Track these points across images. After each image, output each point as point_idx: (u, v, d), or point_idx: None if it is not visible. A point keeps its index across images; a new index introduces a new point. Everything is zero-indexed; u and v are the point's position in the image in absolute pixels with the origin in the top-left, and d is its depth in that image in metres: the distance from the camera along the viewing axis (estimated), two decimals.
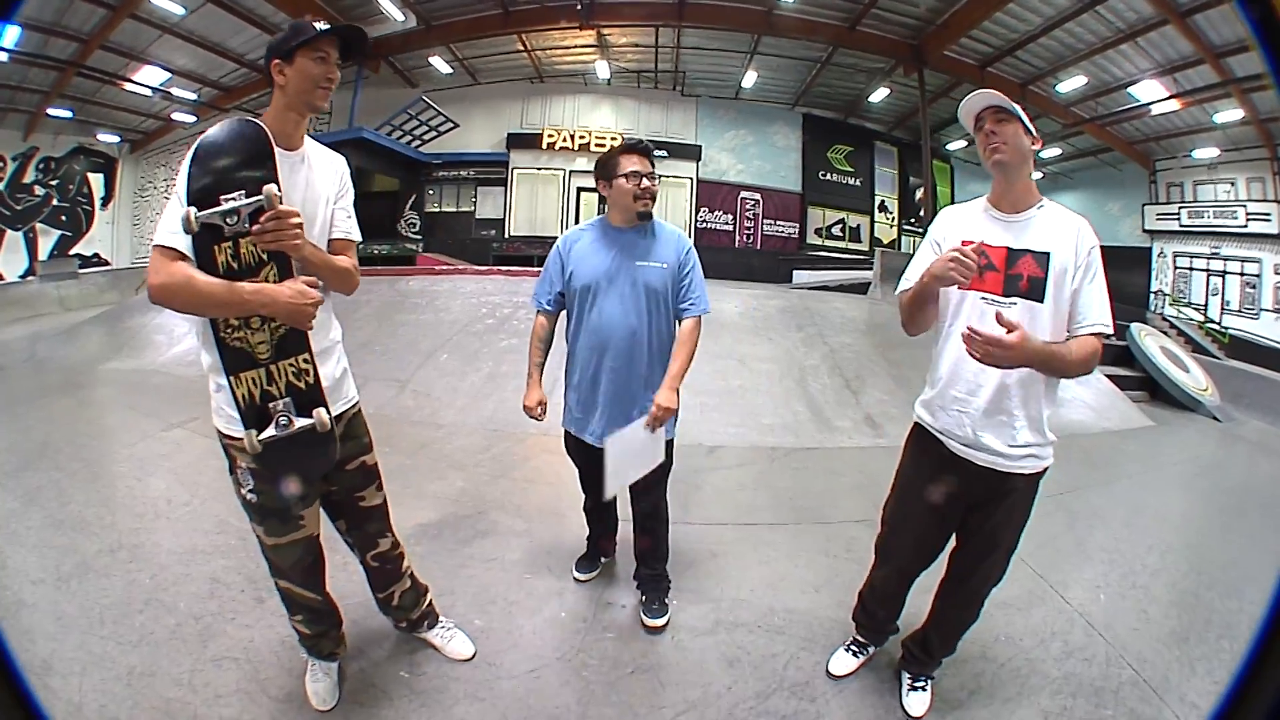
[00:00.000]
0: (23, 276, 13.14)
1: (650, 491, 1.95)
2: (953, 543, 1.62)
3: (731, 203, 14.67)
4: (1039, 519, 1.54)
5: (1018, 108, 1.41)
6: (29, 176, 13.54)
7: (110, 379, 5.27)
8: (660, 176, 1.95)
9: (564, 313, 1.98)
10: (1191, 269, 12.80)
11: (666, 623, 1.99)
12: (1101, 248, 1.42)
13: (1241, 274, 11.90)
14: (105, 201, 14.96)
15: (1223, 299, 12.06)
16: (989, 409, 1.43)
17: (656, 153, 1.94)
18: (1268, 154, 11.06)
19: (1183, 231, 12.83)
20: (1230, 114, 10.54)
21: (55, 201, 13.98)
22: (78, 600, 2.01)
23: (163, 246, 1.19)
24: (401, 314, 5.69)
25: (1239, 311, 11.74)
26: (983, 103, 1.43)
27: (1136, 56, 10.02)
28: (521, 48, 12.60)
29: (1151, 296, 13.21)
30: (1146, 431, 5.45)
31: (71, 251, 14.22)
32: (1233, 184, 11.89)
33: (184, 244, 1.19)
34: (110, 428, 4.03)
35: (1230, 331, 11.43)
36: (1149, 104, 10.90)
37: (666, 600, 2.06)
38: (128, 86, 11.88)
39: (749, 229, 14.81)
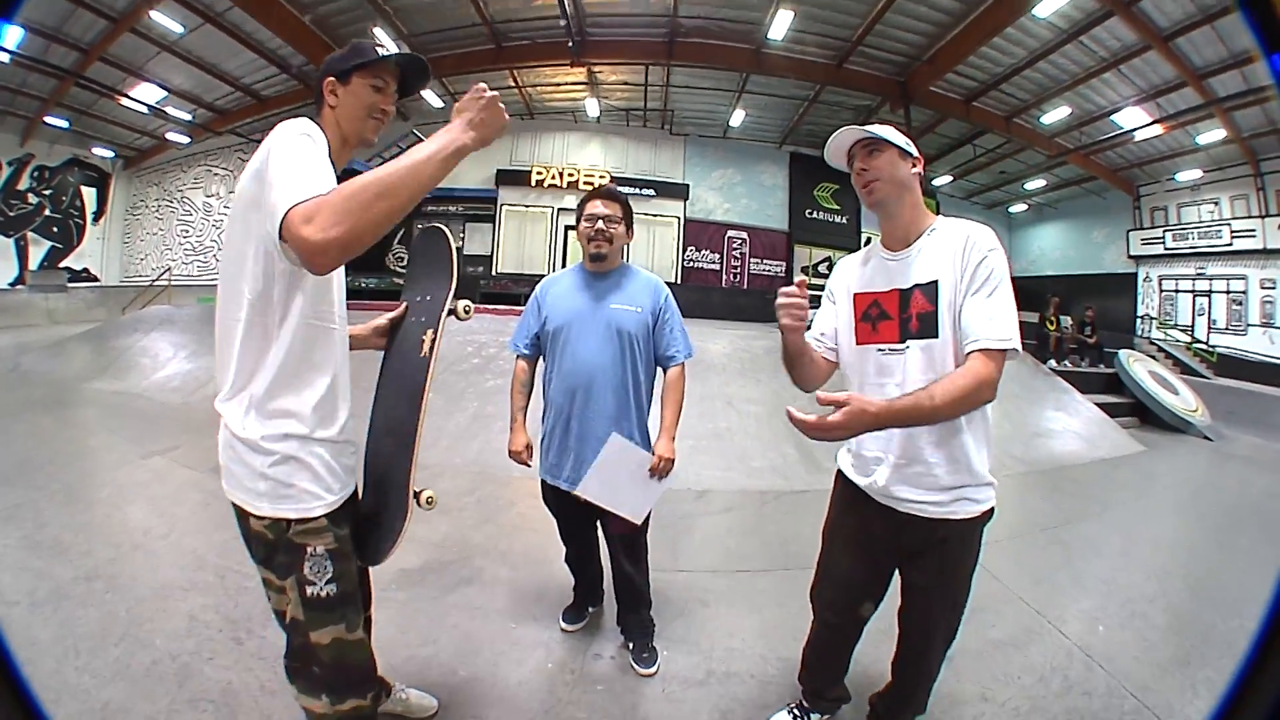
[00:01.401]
0: (12, 284, 13.05)
1: (627, 533, 1.90)
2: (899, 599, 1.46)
3: (719, 242, 14.72)
4: (1034, 554, 1.51)
5: (888, 131, 1.29)
6: (23, 183, 13.49)
7: (94, 399, 5.20)
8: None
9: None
10: (1177, 291, 12.98)
11: (657, 670, 1.93)
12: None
13: (1227, 292, 12.07)
14: (97, 216, 14.91)
15: (1209, 319, 12.21)
16: (901, 461, 1.30)
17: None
18: (1251, 170, 11.30)
19: (1168, 255, 13.04)
20: (1212, 134, 10.78)
21: (47, 211, 13.92)
22: (52, 627, 1.95)
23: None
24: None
25: (1226, 329, 11.89)
26: (849, 139, 1.33)
27: (1119, 84, 10.26)
28: (512, 83, 12.67)
29: (1138, 321, 13.37)
30: (1138, 457, 5.48)
31: (62, 264, 14.14)
32: (1216, 204, 12.12)
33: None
34: (91, 450, 3.96)
35: (1218, 350, 11.55)
36: (1132, 130, 11.11)
37: (654, 645, 2.01)
38: (124, 101, 11.89)
39: (736, 268, 14.83)
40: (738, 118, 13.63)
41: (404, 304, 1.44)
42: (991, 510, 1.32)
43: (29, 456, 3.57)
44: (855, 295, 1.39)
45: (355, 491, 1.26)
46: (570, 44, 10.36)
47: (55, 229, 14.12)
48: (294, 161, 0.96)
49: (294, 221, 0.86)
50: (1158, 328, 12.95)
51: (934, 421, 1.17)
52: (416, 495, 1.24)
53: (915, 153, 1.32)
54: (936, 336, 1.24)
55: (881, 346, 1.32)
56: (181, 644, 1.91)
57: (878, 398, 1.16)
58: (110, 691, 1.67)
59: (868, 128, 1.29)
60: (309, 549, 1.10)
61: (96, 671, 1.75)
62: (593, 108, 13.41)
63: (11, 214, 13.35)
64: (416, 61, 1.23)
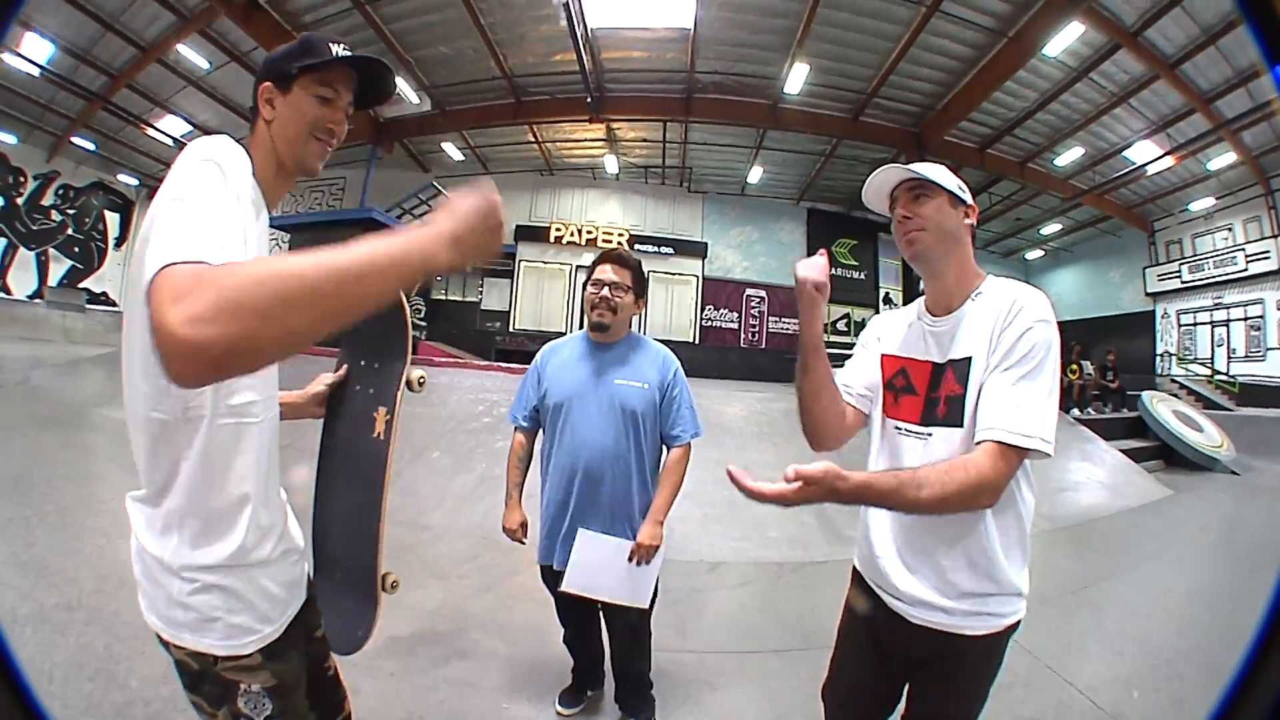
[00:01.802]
0: (30, 297, 13.33)
1: (628, 611, 1.79)
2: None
3: (737, 300, 14.69)
4: (1064, 619, 1.35)
5: (939, 172, 1.10)
6: (48, 199, 13.85)
7: (101, 425, 5.17)
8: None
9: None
10: (1196, 324, 12.85)
11: None
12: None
13: (1245, 318, 11.97)
14: (119, 242, 15.26)
15: (1229, 348, 12.09)
16: (909, 558, 1.11)
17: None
18: (1262, 189, 11.30)
19: (1184, 288, 12.96)
20: (1223, 159, 10.83)
21: (70, 231, 14.28)
22: (27, 650, 1.93)
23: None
24: None
25: (1246, 357, 11.74)
26: (892, 179, 1.13)
27: (1129, 119, 10.35)
28: (532, 138, 12.90)
29: (1158, 359, 13.23)
30: (1165, 503, 5.35)
31: (81, 284, 14.43)
32: (1230, 229, 12.11)
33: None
34: (90, 476, 3.90)
35: (1239, 379, 11.38)
36: (1144, 165, 11.15)
37: None
38: (150, 131, 12.27)
39: (754, 327, 14.76)
40: (755, 174, 13.77)
41: (343, 366, 1.25)
42: (1018, 623, 1.11)
43: (26, 473, 3.54)
44: (884, 357, 1.22)
45: (309, 597, 1.07)
46: (589, 99, 10.51)
47: (76, 249, 14.48)
48: (185, 200, 0.69)
49: (158, 293, 0.53)
50: (1178, 363, 12.78)
51: (913, 513, 0.97)
52: (382, 579, 1.15)
53: (969, 200, 1.12)
54: (961, 425, 1.04)
55: (900, 425, 1.13)
56: (156, 689, 1.83)
57: None
58: None
59: (915, 167, 1.10)
60: (242, 685, 0.89)
61: (68, 702, 1.71)
62: (612, 164, 13.60)
63: (34, 227, 13.71)
64: (376, 66, 0.97)
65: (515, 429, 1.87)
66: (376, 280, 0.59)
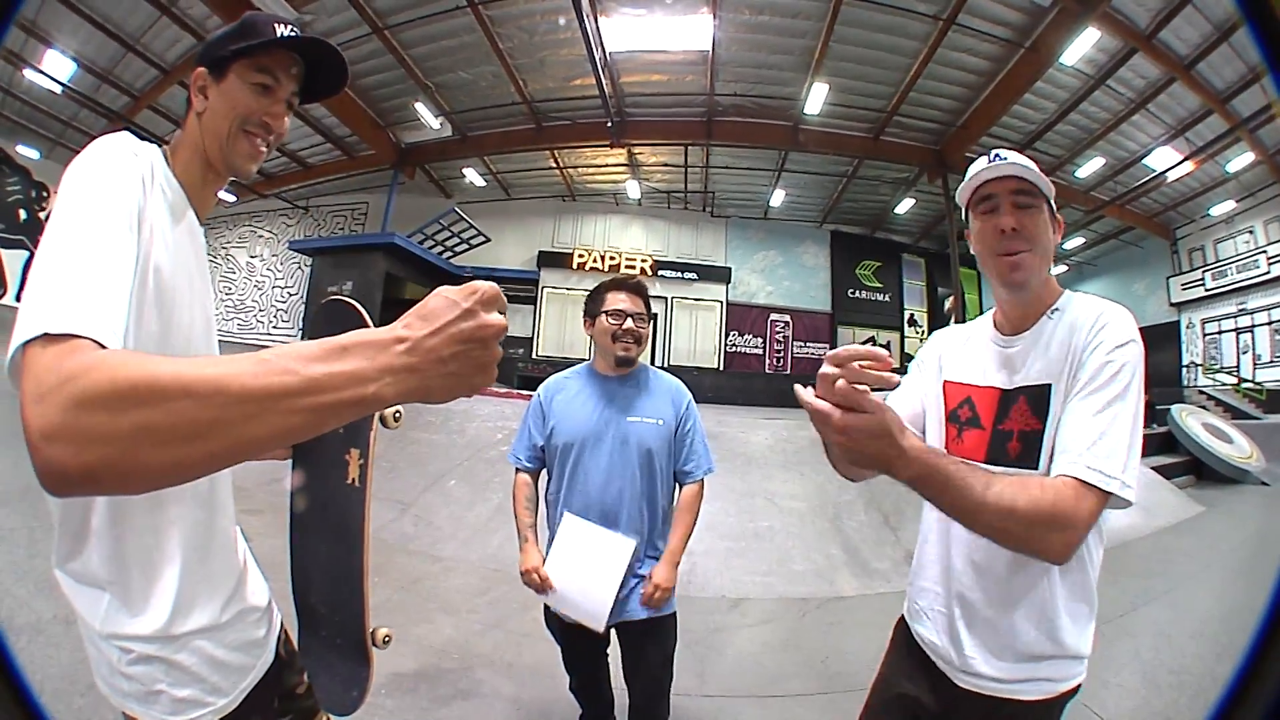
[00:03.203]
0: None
1: (651, 673, 1.70)
2: None
3: (761, 325, 14.56)
4: (1101, 651, 1.13)
5: (1046, 181, 0.94)
6: None
7: None
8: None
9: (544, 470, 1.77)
10: (1220, 332, 12.62)
11: None
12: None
13: (1270, 323, 11.74)
14: None
15: (1254, 355, 11.86)
16: (966, 607, 0.97)
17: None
18: None
19: (1208, 296, 12.74)
20: (1242, 159, 10.67)
21: None
22: (23, 659, 1.92)
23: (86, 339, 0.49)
24: (413, 430, 5.36)
25: (1272, 363, 11.51)
26: (999, 173, 0.93)
27: (1148, 124, 10.23)
28: (553, 164, 12.96)
29: (1184, 371, 12.98)
30: (1198, 520, 5.25)
31: None
32: (1251, 232, 11.93)
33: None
34: None
35: (1267, 386, 11.20)
36: (1165, 172, 11.01)
37: None
38: None
39: (779, 352, 14.60)
40: (778, 197, 13.74)
41: None
42: (1077, 687, 0.97)
43: (32, 483, 3.53)
44: (946, 384, 1.05)
45: (278, 655, 0.95)
46: (609, 124, 10.52)
47: None
48: (65, 240, 0.56)
49: (25, 379, 0.44)
50: (1204, 373, 12.54)
51: (970, 520, 0.78)
52: (372, 635, 1.05)
53: (1057, 214, 0.99)
54: (1037, 467, 0.88)
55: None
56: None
57: (937, 530, 0.93)
58: None
59: (1025, 162, 0.92)
60: None
61: (58, 714, 1.73)
62: (634, 190, 13.62)
63: None
64: (324, 50, 0.83)
65: (517, 470, 1.74)
66: (290, 410, 0.43)
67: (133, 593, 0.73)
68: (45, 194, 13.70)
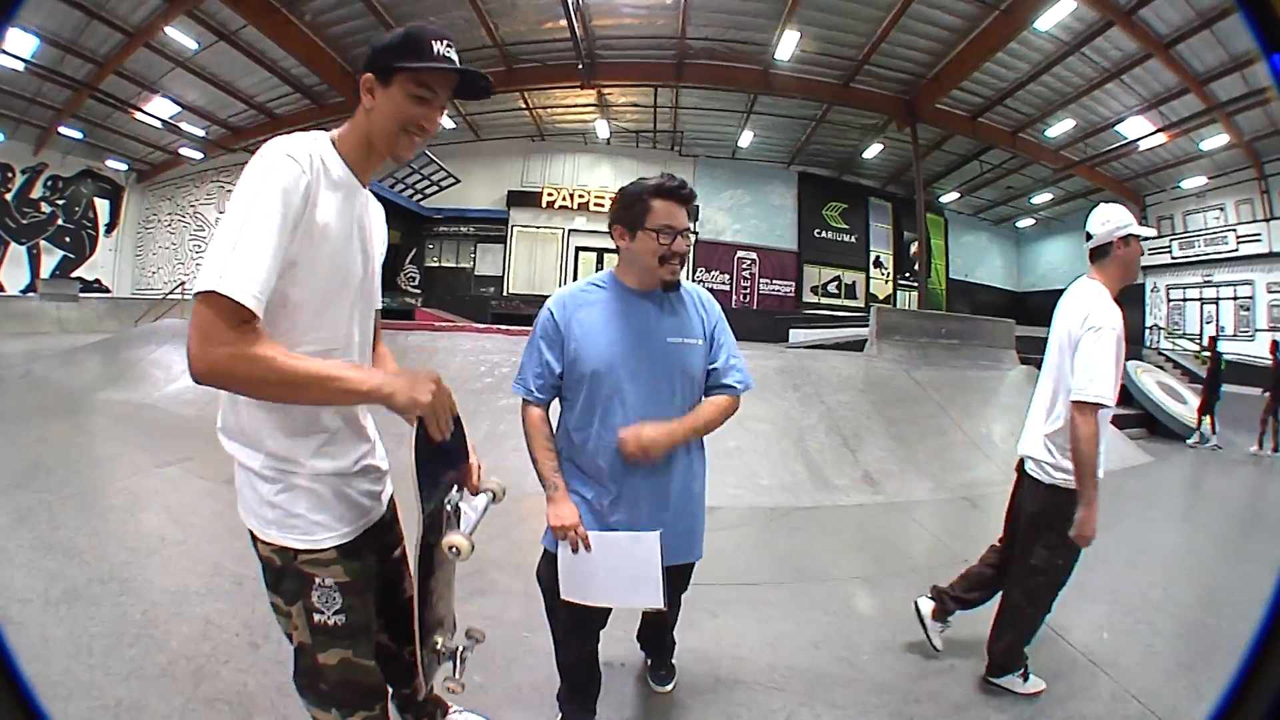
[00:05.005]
0: (24, 291, 13.25)
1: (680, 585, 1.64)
2: None
3: (728, 262, 14.86)
4: None
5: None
6: (36, 192, 13.73)
7: (104, 408, 5.26)
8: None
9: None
10: (1185, 300, 12.97)
11: (673, 688, 1.93)
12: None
13: (1235, 298, 12.09)
14: (110, 228, 15.14)
15: (1217, 325, 12.21)
16: None
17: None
18: (1255, 173, 11.36)
19: (1174, 264, 13.04)
20: (1216, 139, 10.84)
21: (60, 221, 14.16)
22: (66, 626, 1.97)
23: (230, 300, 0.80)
24: (400, 367, 5.50)
25: (1234, 336, 11.86)
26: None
27: (1122, 94, 10.34)
28: (523, 105, 12.84)
29: (1146, 332, 13.33)
30: (1146, 468, 5.53)
31: (73, 274, 14.34)
32: (1221, 209, 12.20)
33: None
34: (103, 457, 4.01)
35: (1226, 357, 11.64)
36: (1136, 140, 11.16)
37: (673, 663, 1.97)
38: (138, 115, 12.09)
39: (745, 288, 14.94)
40: (746, 138, 13.75)
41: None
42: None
43: (40, 461, 3.61)
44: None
45: (393, 515, 1.21)
46: (580, 65, 10.50)
47: (68, 239, 14.36)
48: (243, 225, 0.83)
49: (197, 316, 0.79)
50: (1166, 337, 12.91)
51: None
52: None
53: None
54: None
55: None
56: (197, 646, 1.93)
57: None
58: (123, 690, 1.69)
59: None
60: (317, 579, 1.01)
61: (110, 670, 1.76)
62: (603, 129, 13.57)
63: (25, 221, 13.61)
64: (478, 80, 1.02)
65: (526, 403, 1.42)
66: (335, 391, 0.88)
67: (292, 444, 0.99)
68: (10, 175, 13.16)
